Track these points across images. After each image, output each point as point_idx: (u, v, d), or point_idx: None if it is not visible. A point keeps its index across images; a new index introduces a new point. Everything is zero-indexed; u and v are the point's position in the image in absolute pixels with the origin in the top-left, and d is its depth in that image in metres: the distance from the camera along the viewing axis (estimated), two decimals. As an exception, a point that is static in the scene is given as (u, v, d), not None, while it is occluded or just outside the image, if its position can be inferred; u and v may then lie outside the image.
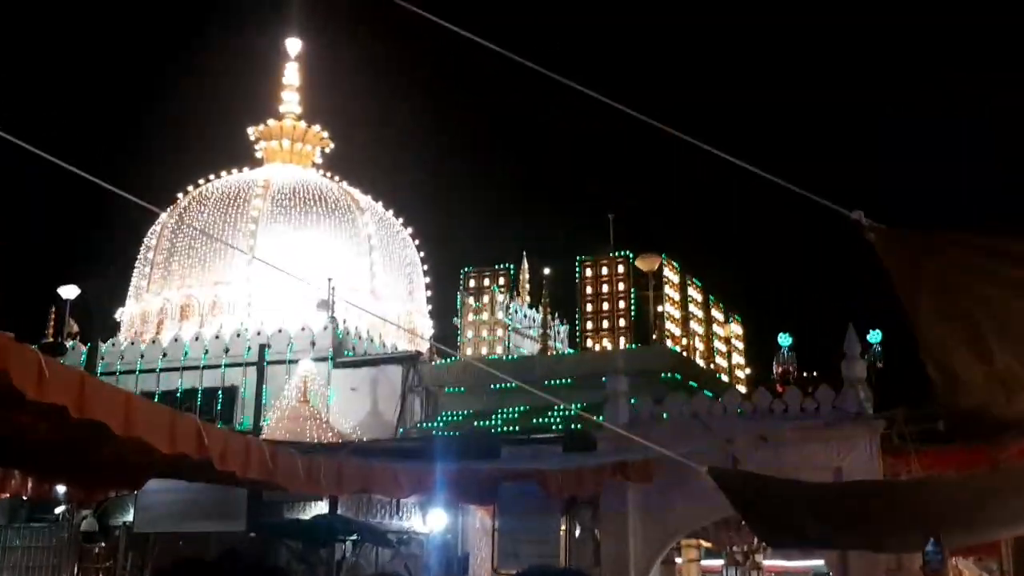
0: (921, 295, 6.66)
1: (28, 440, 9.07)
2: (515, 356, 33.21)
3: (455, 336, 35.88)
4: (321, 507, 20.10)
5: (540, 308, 35.65)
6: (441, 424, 25.97)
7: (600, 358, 29.28)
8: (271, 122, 40.15)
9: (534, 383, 23.38)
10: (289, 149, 39.83)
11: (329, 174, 39.74)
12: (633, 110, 7.63)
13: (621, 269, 32.42)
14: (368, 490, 12.86)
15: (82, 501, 20.12)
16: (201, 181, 38.00)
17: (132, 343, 33.08)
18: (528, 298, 40.12)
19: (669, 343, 30.51)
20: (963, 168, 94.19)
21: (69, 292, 28.24)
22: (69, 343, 31.93)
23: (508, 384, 23.65)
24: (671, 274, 33.63)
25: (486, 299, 34.30)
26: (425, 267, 39.36)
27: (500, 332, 33.36)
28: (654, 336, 31.17)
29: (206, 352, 31.38)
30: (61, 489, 16.01)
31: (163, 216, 36.25)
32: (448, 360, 28.87)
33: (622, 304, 32.15)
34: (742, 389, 34.28)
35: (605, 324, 32.17)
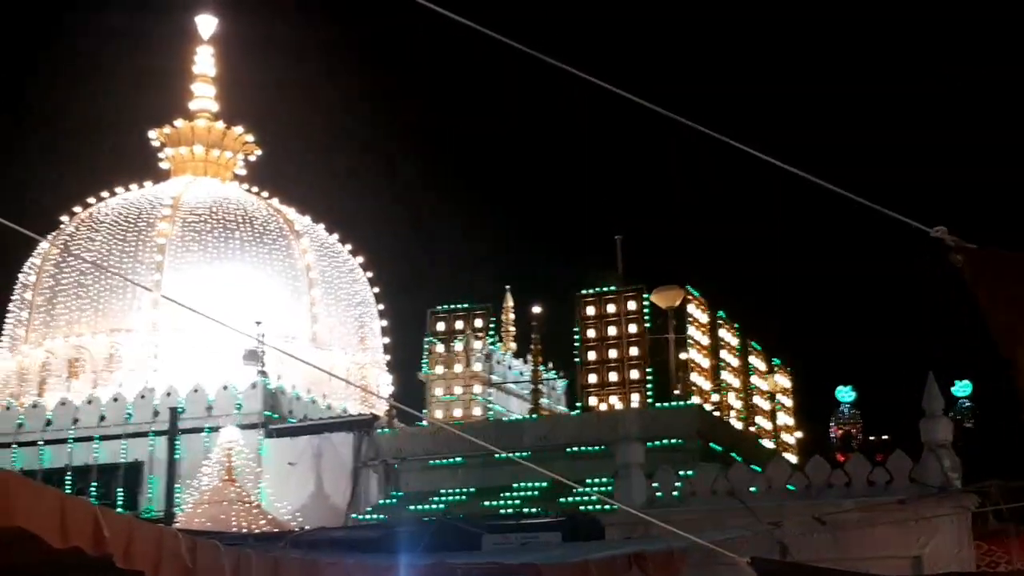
0: (1021, 330, 6.70)
1: None
2: (498, 418, 33.16)
3: (420, 394, 35.83)
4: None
5: (529, 357, 35.64)
6: (404, 507, 25.90)
7: (608, 420, 29.20)
8: (180, 123, 40.30)
9: (523, 453, 23.38)
10: (203, 157, 39.97)
11: (255, 189, 39.87)
12: (649, 102, 7.70)
13: (633, 306, 32.45)
14: (313, 594, 12.76)
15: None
16: (92, 200, 38.10)
17: (7, 408, 33.05)
18: (514, 345, 40.12)
19: (696, 400, 30.50)
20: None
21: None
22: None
23: (491, 454, 23.59)
24: (697, 311, 33.69)
25: (460, 346, 34.27)
26: (381, 306, 39.48)
27: (478, 388, 33.28)
28: (676, 391, 31.19)
29: (102, 418, 31.40)
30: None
31: (43, 245, 36.26)
32: (412, 425, 28.80)
33: (635, 351, 32.14)
34: (791, 458, 34.23)
35: (613, 376, 32.17)
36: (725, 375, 34.65)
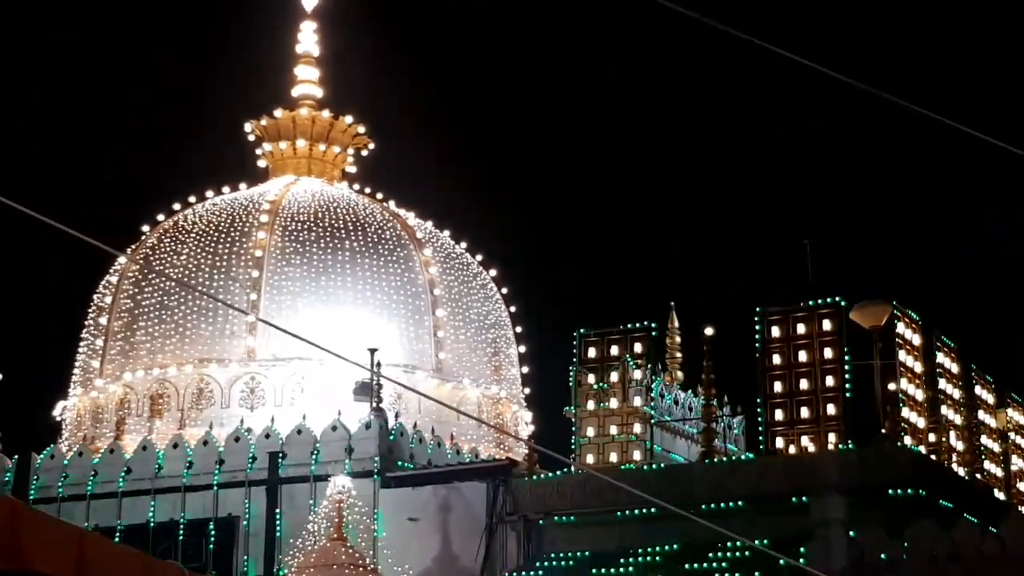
0: None
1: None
2: (663, 465, 32.97)
3: (569, 435, 35.79)
4: None
5: (700, 389, 35.38)
6: (549, 572, 25.85)
7: (799, 466, 28.87)
8: (279, 113, 40.70)
9: (694, 507, 23.27)
10: (307, 153, 40.39)
11: (368, 190, 40.19)
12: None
13: (828, 326, 31.93)
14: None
15: None
16: (177, 206, 38.73)
17: (80, 453, 33.52)
18: (680, 375, 39.86)
19: (908, 441, 29.95)
20: None
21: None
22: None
23: (652, 510, 23.49)
24: (908, 332, 33.03)
25: (615, 377, 34.14)
26: (519, 329, 39.48)
27: (638, 427, 33.12)
28: (883, 430, 30.66)
29: (190, 465, 31.79)
30: None
31: (121, 260, 36.97)
32: (558, 473, 28.76)
33: (831, 380, 31.68)
34: (1030, 513, 33.33)
35: (804, 412, 31.73)
36: (944, 410, 33.95)
